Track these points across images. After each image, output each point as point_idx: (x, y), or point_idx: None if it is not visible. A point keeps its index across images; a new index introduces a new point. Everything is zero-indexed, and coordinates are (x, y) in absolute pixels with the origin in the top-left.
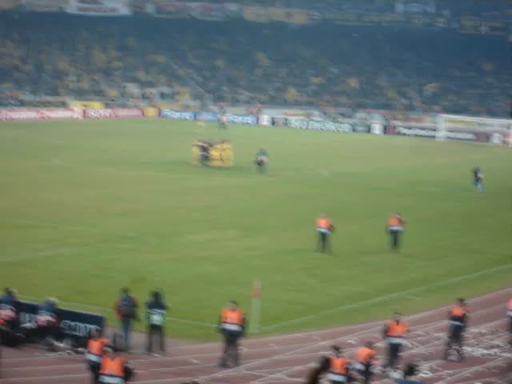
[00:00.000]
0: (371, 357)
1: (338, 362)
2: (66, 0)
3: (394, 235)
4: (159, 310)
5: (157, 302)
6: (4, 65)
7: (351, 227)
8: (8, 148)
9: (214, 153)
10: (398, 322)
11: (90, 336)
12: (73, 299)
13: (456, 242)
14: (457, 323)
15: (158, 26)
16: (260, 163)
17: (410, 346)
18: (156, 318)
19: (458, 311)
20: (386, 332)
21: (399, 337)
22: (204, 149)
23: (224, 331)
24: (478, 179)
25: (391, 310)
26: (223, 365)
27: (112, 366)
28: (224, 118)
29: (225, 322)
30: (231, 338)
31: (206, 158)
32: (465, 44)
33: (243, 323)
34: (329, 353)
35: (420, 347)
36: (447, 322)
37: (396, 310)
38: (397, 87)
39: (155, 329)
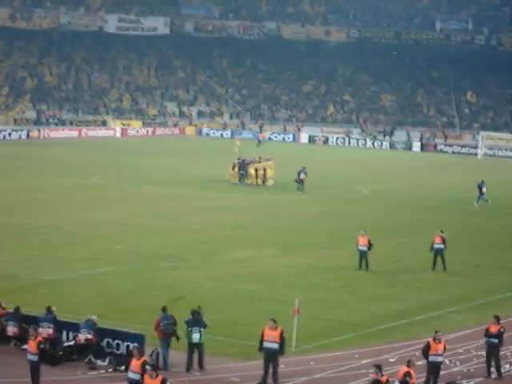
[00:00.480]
0: (411, 375)
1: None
2: (105, 19)
3: (438, 253)
4: (199, 328)
5: (196, 320)
6: (44, 84)
7: (390, 245)
8: (48, 167)
9: (251, 171)
10: (438, 341)
11: (130, 354)
12: (113, 317)
13: (496, 260)
14: (493, 340)
15: (197, 45)
16: (299, 181)
17: (450, 364)
18: (196, 336)
19: (494, 328)
20: (427, 350)
21: (439, 355)
22: (241, 166)
23: (264, 349)
24: (482, 193)
25: (431, 328)
26: (263, 383)
27: None
28: (261, 136)
29: (265, 341)
30: (271, 356)
31: (243, 176)
32: (504, 61)
33: (282, 341)
34: (370, 371)
35: (460, 365)
36: (484, 340)
37: (436, 328)
38: (436, 105)
39: (195, 347)
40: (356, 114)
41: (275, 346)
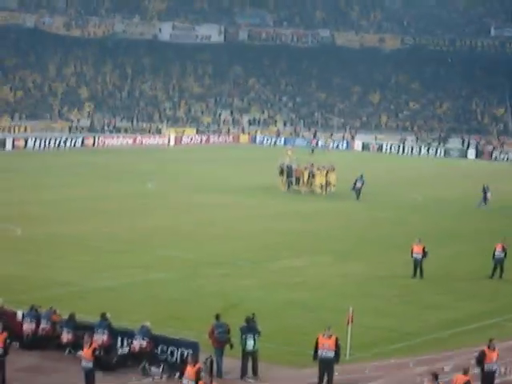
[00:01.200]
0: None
1: None
2: (159, 28)
3: (499, 262)
4: (253, 336)
5: (251, 328)
6: (99, 92)
7: (445, 252)
8: (103, 174)
9: (305, 178)
10: (493, 349)
11: (185, 361)
12: (167, 324)
13: None
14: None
15: (251, 53)
16: (357, 189)
17: (505, 372)
18: (250, 343)
19: (493, 354)
20: (482, 359)
21: (494, 363)
22: (288, 174)
23: (319, 358)
24: (486, 198)
25: (486, 337)
26: None
27: None
28: (314, 142)
29: (320, 349)
30: (326, 365)
31: (291, 183)
32: None
33: (338, 349)
34: (425, 379)
35: None
36: None
37: (491, 336)
38: (490, 112)
39: (249, 354)
40: (410, 121)
41: (330, 354)
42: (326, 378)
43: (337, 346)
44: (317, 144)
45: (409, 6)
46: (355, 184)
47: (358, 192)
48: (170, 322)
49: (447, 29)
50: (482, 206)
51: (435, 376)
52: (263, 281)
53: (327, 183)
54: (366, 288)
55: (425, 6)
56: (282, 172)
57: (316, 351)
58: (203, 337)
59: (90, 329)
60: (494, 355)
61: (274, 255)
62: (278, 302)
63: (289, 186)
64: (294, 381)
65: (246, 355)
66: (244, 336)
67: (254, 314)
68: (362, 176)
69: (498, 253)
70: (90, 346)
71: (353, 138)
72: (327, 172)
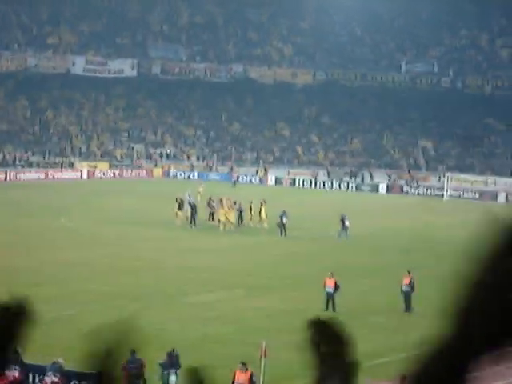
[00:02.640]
0: None
1: None
2: (72, 61)
3: (406, 295)
4: (175, 371)
5: (172, 363)
6: (11, 126)
7: (358, 286)
8: (16, 208)
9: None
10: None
11: None
12: (82, 360)
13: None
14: None
15: (164, 87)
16: (282, 225)
17: None
18: (172, 379)
19: None
20: None
21: None
22: (193, 211)
23: None
24: (345, 227)
25: (398, 370)
26: None
27: None
28: (235, 176)
29: (236, 382)
30: None
31: (194, 220)
32: (469, 103)
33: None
34: None
35: None
36: None
37: (402, 370)
38: (402, 147)
39: None
40: (322, 156)
41: None
42: None
43: (251, 381)
44: (237, 178)
45: (321, 41)
46: (281, 219)
47: (284, 228)
48: (83, 357)
49: (359, 64)
50: (343, 236)
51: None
52: (178, 315)
53: (260, 218)
54: (279, 322)
55: (337, 41)
56: (179, 206)
57: None
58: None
59: (1, 365)
60: None
61: (187, 289)
62: (193, 336)
63: (191, 222)
64: None
65: None
66: (166, 372)
67: (173, 349)
68: (284, 212)
69: (405, 287)
70: (1, 382)
71: (265, 171)
72: (261, 206)
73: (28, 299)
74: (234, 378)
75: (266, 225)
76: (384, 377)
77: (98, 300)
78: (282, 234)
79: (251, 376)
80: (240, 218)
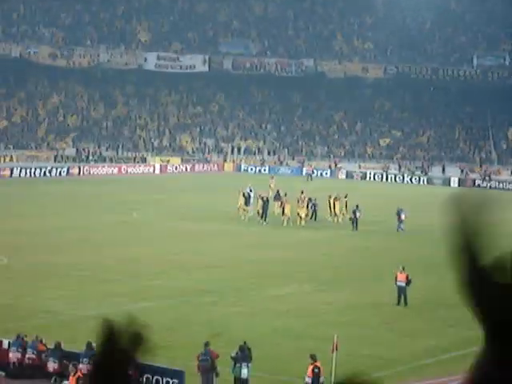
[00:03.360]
0: None
1: None
2: (144, 57)
3: None
4: (247, 364)
5: (245, 356)
6: (85, 122)
7: (429, 280)
8: (89, 203)
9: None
10: None
11: None
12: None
13: None
14: None
15: (235, 82)
16: (354, 219)
17: None
18: (245, 372)
19: None
20: None
21: None
22: (265, 205)
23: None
24: (400, 220)
25: (470, 364)
26: None
27: None
28: (310, 169)
29: (308, 377)
30: None
31: (265, 215)
32: None
33: (316, 377)
34: None
35: None
36: None
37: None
38: (473, 140)
39: (241, 382)
40: (394, 149)
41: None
42: None
43: (313, 373)
44: (313, 172)
45: (392, 35)
46: (354, 214)
47: (356, 222)
48: (156, 350)
49: (430, 58)
50: (400, 230)
51: None
52: (249, 309)
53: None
54: (351, 316)
55: (407, 35)
56: (246, 201)
57: (305, 379)
58: (189, 365)
59: (75, 358)
60: None
61: (258, 284)
62: (264, 330)
63: (262, 217)
64: None
65: (239, 383)
66: (239, 364)
67: (245, 342)
68: (357, 206)
69: None
70: (75, 374)
71: (336, 165)
72: (335, 201)
73: (146, 327)
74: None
75: (340, 219)
76: (455, 371)
77: (169, 295)
78: (354, 228)
79: (316, 368)
80: (314, 213)
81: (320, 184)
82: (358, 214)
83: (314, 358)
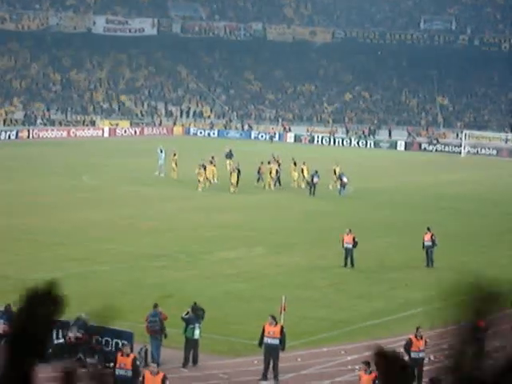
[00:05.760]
0: None
1: (367, 378)
2: (93, 21)
3: (428, 250)
4: (199, 324)
5: (198, 316)
6: (33, 85)
7: (376, 243)
8: (38, 167)
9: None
10: (419, 337)
11: (117, 351)
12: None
13: (481, 258)
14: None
15: (184, 46)
16: (312, 184)
17: (434, 360)
18: (197, 333)
19: (419, 343)
20: (409, 347)
21: (421, 351)
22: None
23: (265, 345)
24: (343, 184)
25: (415, 325)
26: (264, 378)
27: (154, 381)
28: (273, 132)
29: (266, 336)
30: (272, 352)
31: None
32: (486, 60)
33: (283, 337)
34: (357, 368)
35: (445, 361)
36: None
37: (419, 324)
38: (419, 104)
39: (193, 343)
40: (341, 113)
41: (276, 341)
42: (271, 365)
43: (282, 333)
44: (274, 135)
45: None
46: (312, 178)
47: (314, 187)
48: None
49: (377, 22)
50: (343, 192)
51: (368, 364)
52: (200, 272)
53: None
54: (299, 278)
55: (355, 0)
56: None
57: (262, 338)
58: (139, 328)
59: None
60: (420, 343)
61: (209, 247)
62: (215, 292)
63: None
64: (228, 369)
65: (190, 344)
66: (192, 325)
67: (195, 303)
68: (316, 171)
69: (427, 242)
70: None
71: (285, 129)
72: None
73: (56, 283)
74: (263, 331)
75: (302, 185)
76: (401, 332)
77: (120, 259)
78: (310, 193)
79: (282, 329)
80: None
81: (267, 147)
82: (315, 180)
83: (275, 319)
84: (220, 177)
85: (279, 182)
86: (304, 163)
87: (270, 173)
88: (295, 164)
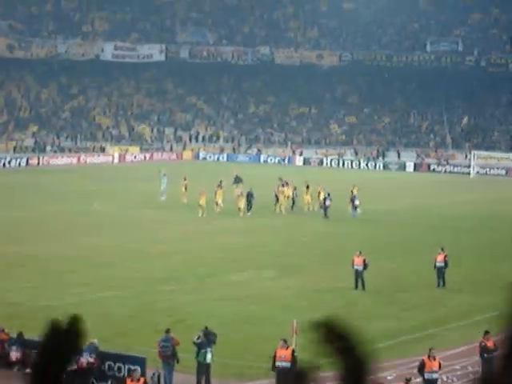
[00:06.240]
0: None
1: None
2: (101, 48)
3: (440, 271)
4: (211, 349)
5: (209, 341)
6: (43, 112)
7: (386, 264)
8: (49, 194)
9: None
10: (432, 358)
11: (128, 375)
12: (114, 341)
13: (493, 276)
14: (490, 355)
15: (192, 71)
16: (325, 208)
17: (447, 380)
18: (209, 357)
19: (490, 343)
20: (422, 368)
21: (435, 372)
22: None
23: (277, 369)
24: (354, 206)
25: (428, 346)
26: None
27: None
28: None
29: (277, 361)
30: (284, 376)
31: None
32: (493, 81)
33: (294, 360)
34: None
35: (457, 381)
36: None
37: (431, 346)
38: (428, 125)
39: (205, 368)
40: (350, 135)
41: (287, 365)
42: None
43: (293, 356)
44: (284, 159)
45: (345, 22)
46: (324, 202)
47: (326, 211)
48: (117, 339)
49: (384, 45)
50: (355, 215)
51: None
52: (209, 296)
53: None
54: (309, 301)
55: (361, 22)
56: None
57: (274, 362)
58: (151, 352)
59: (38, 347)
60: (434, 364)
61: (218, 270)
62: (224, 316)
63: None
64: None
65: (202, 369)
66: (203, 350)
67: (206, 327)
68: (329, 194)
69: (439, 263)
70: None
71: (294, 153)
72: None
73: (79, 317)
74: (275, 355)
75: (315, 208)
76: (413, 353)
77: (129, 284)
78: (325, 216)
79: (293, 352)
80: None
81: (276, 171)
82: (328, 203)
83: (286, 342)
84: (227, 201)
85: (293, 205)
86: (320, 187)
87: (284, 196)
88: (308, 187)
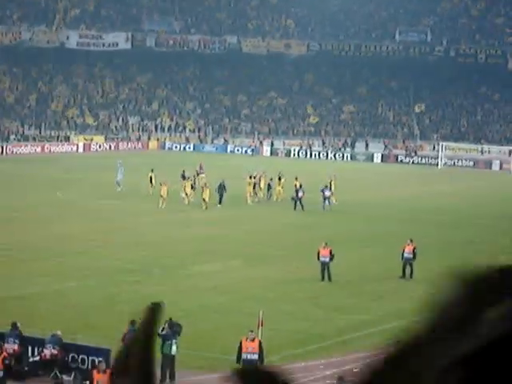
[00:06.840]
0: None
1: None
2: (66, 35)
3: (407, 262)
4: (176, 340)
5: (174, 332)
6: (7, 100)
7: (353, 255)
8: (12, 183)
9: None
10: None
11: (93, 368)
12: (78, 332)
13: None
14: None
15: (158, 59)
16: (298, 199)
17: None
18: (174, 349)
19: None
20: None
21: None
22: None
23: (243, 361)
24: (325, 198)
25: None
26: None
27: None
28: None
29: (244, 352)
30: None
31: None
32: (462, 71)
33: (261, 352)
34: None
35: None
36: None
37: (398, 337)
38: (396, 116)
39: (170, 359)
40: (317, 126)
41: (255, 357)
42: None
43: (260, 348)
44: (255, 148)
45: (313, 11)
46: (297, 193)
47: (300, 202)
48: (82, 330)
49: (352, 34)
50: (327, 207)
51: (341, 379)
52: (175, 287)
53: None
54: (276, 292)
55: (329, 11)
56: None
57: (239, 354)
58: (115, 344)
59: (0, 338)
60: None
61: (183, 261)
62: (190, 307)
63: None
64: None
65: (167, 361)
66: (169, 341)
67: (171, 319)
68: (301, 186)
69: (407, 254)
70: (1, 354)
71: (261, 143)
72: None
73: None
74: (240, 347)
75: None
76: (380, 345)
77: (94, 274)
78: (295, 207)
79: (260, 343)
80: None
81: (243, 161)
82: (300, 194)
83: (253, 334)
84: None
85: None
86: (296, 178)
87: (254, 187)
88: (280, 179)
